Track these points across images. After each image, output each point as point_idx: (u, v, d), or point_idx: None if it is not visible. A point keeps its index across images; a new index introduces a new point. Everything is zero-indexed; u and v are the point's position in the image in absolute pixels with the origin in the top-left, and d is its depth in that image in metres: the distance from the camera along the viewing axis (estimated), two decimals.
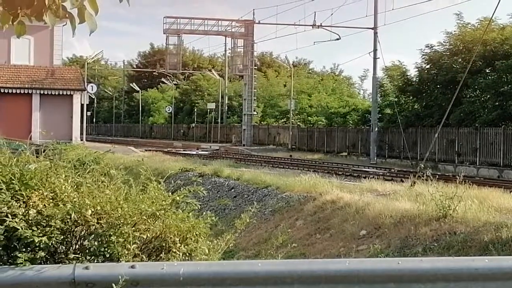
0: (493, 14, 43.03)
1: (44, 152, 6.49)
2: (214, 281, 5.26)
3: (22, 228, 5.24)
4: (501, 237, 14.58)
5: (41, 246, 5.27)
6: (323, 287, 5.26)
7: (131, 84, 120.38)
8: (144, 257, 5.65)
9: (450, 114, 41.43)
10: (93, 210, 5.51)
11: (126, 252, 5.47)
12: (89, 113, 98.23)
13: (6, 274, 5.17)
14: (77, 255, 5.47)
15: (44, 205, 5.48)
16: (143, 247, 5.70)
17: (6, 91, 57.36)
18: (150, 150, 60.72)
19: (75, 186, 5.83)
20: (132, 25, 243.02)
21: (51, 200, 5.57)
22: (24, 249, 5.26)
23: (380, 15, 55.36)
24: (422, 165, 25.40)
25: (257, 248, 20.54)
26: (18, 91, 57.70)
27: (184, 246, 5.80)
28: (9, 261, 5.29)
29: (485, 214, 16.23)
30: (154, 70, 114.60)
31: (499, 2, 29.27)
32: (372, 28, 55.59)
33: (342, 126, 65.97)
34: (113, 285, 5.02)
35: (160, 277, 5.23)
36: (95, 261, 5.44)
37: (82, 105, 60.89)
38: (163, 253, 5.76)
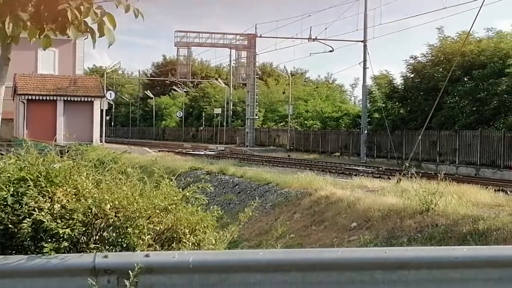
0: (470, 28, 42.98)
1: (67, 152, 6.49)
2: (221, 268, 5.26)
3: (47, 221, 5.24)
4: (478, 229, 14.57)
5: (65, 237, 5.28)
6: (318, 274, 5.25)
7: (145, 92, 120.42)
8: (157, 246, 5.64)
9: (432, 118, 41.39)
10: (111, 204, 5.50)
11: (141, 242, 5.47)
12: (108, 118, 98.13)
13: (34, 262, 5.17)
14: (97, 245, 5.47)
15: (68, 200, 5.48)
16: (156, 238, 5.70)
17: (33, 98, 57.37)
18: (162, 150, 60.66)
19: (95, 183, 5.83)
20: (146, 38, 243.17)
21: (73, 196, 5.57)
22: (49, 240, 5.26)
23: (369, 29, 55.59)
24: (407, 164, 25.38)
25: (258, 239, 20.53)
26: (44, 98, 57.69)
27: (193, 237, 5.80)
28: (36, 250, 5.29)
29: (464, 208, 16.22)
30: (166, 78, 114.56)
31: (476, 18, 29.33)
32: (362, 41, 55.61)
33: (335, 129, 65.94)
34: (130, 272, 5.02)
35: (172, 265, 5.23)
36: (113, 250, 5.44)
37: (101, 110, 60.88)
38: (174, 243, 5.75)
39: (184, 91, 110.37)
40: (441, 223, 15.70)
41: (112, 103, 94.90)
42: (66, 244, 5.30)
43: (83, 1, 5.60)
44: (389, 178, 28.29)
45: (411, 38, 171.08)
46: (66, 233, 5.27)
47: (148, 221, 5.56)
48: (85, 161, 6.22)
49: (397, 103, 55.90)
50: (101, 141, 58.92)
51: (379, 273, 5.27)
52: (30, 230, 5.25)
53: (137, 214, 5.51)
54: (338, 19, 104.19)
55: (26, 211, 5.31)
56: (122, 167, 6.56)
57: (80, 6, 5.57)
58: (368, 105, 57.31)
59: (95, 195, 5.57)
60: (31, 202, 5.34)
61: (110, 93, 71.44)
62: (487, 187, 21.17)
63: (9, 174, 5.58)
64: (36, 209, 5.30)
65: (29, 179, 5.48)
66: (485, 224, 14.57)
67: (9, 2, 5.47)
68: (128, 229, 5.46)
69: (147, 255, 5.24)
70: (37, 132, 49.51)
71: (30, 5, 5.66)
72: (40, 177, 5.56)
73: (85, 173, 5.86)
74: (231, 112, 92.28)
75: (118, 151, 8.06)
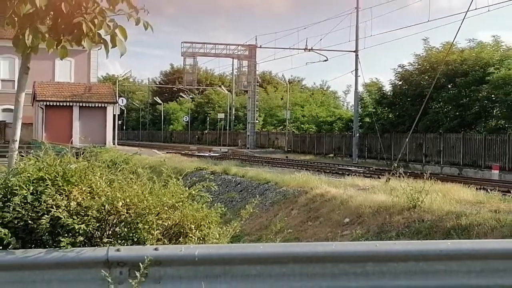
0: (454, 39, 43.13)
1: (82, 154, 6.50)
2: (224, 261, 5.26)
3: (64, 217, 5.24)
4: (461, 224, 14.55)
5: (80, 232, 5.28)
6: (314, 266, 5.26)
7: (154, 98, 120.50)
8: (165, 241, 5.64)
9: (419, 122, 41.40)
10: (123, 202, 5.51)
11: (151, 237, 5.48)
12: (119, 122, 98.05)
13: (51, 256, 5.17)
14: (110, 239, 5.47)
15: (83, 198, 5.49)
16: (164, 233, 5.70)
17: (51, 104, 57.35)
18: (170, 152, 60.64)
19: (108, 182, 5.83)
20: (155, 49, 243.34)
21: (88, 194, 5.57)
22: (66, 235, 5.27)
23: (360, 40, 55.46)
24: (396, 164, 25.38)
25: (259, 233, 20.51)
26: (61, 104, 57.67)
27: (198, 231, 5.80)
28: (54, 244, 5.30)
29: (448, 205, 16.20)
30: (173, 86, 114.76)
31: (459, 29, 29.36)
32: (354, 51, 55.61)
33: (329, 132, 65.94)
34: (140, 264, 5.02)
35: (179, 257, 5.23)
36: (125, 244, 5.44)
37: (114, 115, 60.87)
38: (181, 237, 5.75)
39: (190, 98, 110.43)
40: (427, 219, 15.69)
41: (123, 108, 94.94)
42: (81, 238, 5.31)
43: (97, 15, 5.62)
44: (379, 178, 28.26)
45: (399, 48, 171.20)
46: (82, 228, 5.27)
47: (157, 217, 5.57)
48: (99, 162, 6.22)
49: (386, 108, 55.89)
50: (113, 144, 58.90)
51: (370, 265, 5.27)
52: (48, 226, 5.25)
53: (147, 211, 5.51)
54: (332, 31, 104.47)
55: (44, 208, 5.32)
56: (133, 167, 6.57)
57: (94, 19, 5.59)
58: (360, 110, 57.31)
59: (108, 193, 5.58)
60: (49, 200, 5.34)
61: (122, 100, 71.56)
62: (469, 186, 21.16)
63: (29, 174, 5.58)
64: (54, 206, 5.30)
65: (47, 178, 5.48)
66: (468, 220, 14.56)
67: (28, 16, 5.48)
68: (139, 225, 5.46)
69: (156, 249, 5.24)
70: (55, 135, 49.61)
71: (48, 18, 5.68)
72: (57, 177, 5.56)
73: (99, 173, 5.86)
74: (234, 117, 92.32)
75: (129, 153, 8.07)
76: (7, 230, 5.21)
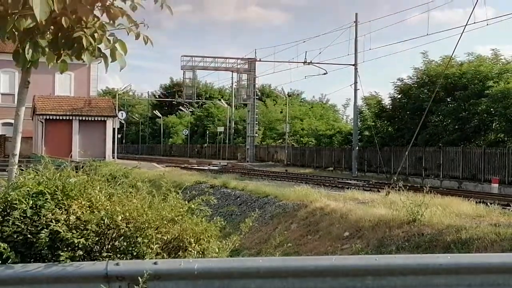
0: (453, 53, 43.15)
1: (82, 168, 6.50)
2: (223, 275, 5.25)
3: (64, 231, 5.24)
4: (461, 238, 14.53)
5: (80, 246, 5.27)
6: (313, 280, 5.25)
7: (154, 111, 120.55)
8: (165, 255, 5.64)
9: (418, 135, 41.40)
10: (122, 216, 5.50)
11: (150, 251, 5.47)
12: (119, 135, 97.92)
13: (51, 270, 5.16)
14: (109, 254, 5.46)
15: (82, 212, 5.48)
16: (164, 247, 5.69)
17: (51, 117, 57.38)
18: (170, 166, 60.61)
19: (108, 196, 5.83)
20: (155, 62, 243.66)
21: (88, 208, 5.57)
22: (65, 249, 5.26)
23: (359, 54, 55.56)
24: (395, 178, 25.33)
25: (258, 247, 20.49)
26: (61, 118, 57.69)
27: (198, 245, 5.79)
28: (53, 259, 5.29)
29: (448, 219, 16.19)
30: (173, 99, 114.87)
31: (458, 43, 29.43)
32: (353, 65, 55.72)
33: (328, 145, 65.97)
34: (139, 278, 5.01)
35: (178, 272, 5.22)
36: (124, 258, 5.43)
37: (113, 129, 60.88)
38: (180, 251, 5.74)
39: (190, 111, 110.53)
40: (427, 233, 15.67)
41: (123, 122, 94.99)
42: (80, 252, 5.30)
43: (97, 29, 5.64)
44: (379, 191, 28.25)
45: (398, 62, 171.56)
46: (81, 242, 5.26)
47: (156, 231, 5.56)
48: (98, 176, 6.22)
49: (385, 122, 55.95)
50: (113, 157, 58.89)
51: (370, 279, 5.26)
52: (47, 240, 5.24)
53: (146, 225, 5.51)
54: (331, 44, 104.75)
55: (44, 222, 5.31)
56: (132, 181, 6.57)
57: (94, 33, 5.61)
58: (359, 123, 57.38)
59: (107, 207, 5.57)
60: (49, 214, 5.34)
61: (122, 113, 71.59)
62: (469, 199, 21.16)
63: (28, 188, 5.58)
64: (53, 220, 5.30)
65: (46, 192, 5.48)
66: (467, 234, 14.55)
67: (29, 30, 5.50)
68: (138, 239, 5.45)
69: (155, 263, 5.23)
70: (54, 149, 49.62)
71: (48, 32, 5.70)
72: (57, 191, 5.56)
73: (98, 187, 5.86)
74: (233, 130, 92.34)
75: (128, 167, 8.08)
76: (6, 244, 5.20)
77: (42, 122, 57.08)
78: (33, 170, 6.05)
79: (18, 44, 5.71)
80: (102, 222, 5.42)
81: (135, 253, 5.45)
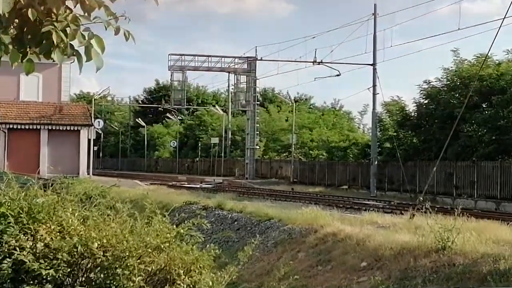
0: (489, 51, 43.08)
1: (51, 186, 6.51)
2: None
3: (29, 261, 5.24)
4: (499, 269, 14.52)
5: (48, 278, 5.27)
6: None
7: (137, 120, 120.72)
8: None
9: (448, 148, 41.37)
10: (99, 243, 5.50)
11: (132, 284, 5.46)
12: (96, 148, 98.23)
13: None
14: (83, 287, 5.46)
15: (52, 238, 5.48)
16: (148, 280, 5.69)
17: (15, 127, 57.43)
18: (155, 183, 60.61)
19: (82, 220, 5.84)
20: (137, 62, 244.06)
21: (58, 233, 5.57)
22: (31, 282, 5.26)
23: (379, 52, 55.58)
24: (421, 198, 25.36)
25: (259, 280, 20.47)
26: (26, 127, 57.73)
27: (188, 278, 5.79)
28: None
29: (483, 246, 16.18)
30: (159, 105, 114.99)
31: (495, 39, 29.41)
32: (371, 64, 55.77)
33: (342, 160, 65.95)
34: None
35: None
36: None
37: (89, 140, 60.91)
38: (167, 285, 5.75)
39: (179, 119, 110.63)
40: (459, 263, 15.66)
41: (100, 132, 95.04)
42: (49, 286, 5.30)
43: (70, 23, 5.64)
44: (402, 213, 28.25)
45: (425, 61, 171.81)
46: (50, 274, 5.26)
47: (139, 261, 5.56)
48: (71, 195, 6.23)
49: (409, 132, 55.94)
50: (88, 174, 58.89)
51: None
52: (10, 271, 5.24)
53: (127, 254, 5.51)
54: (345, 40, 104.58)
55: (6, 250, 5.31)
56: (110, 201, 6.58)
57: (66, 28, 5.61)
58: (378, 133, 57.38)
59: (81, 233, 5.58)
60: (12, 240, 5.34)
61: (98, 122, 71.61)
62: (508, 223, 21.13)
63: None
64: (17, 248, 5.30)
65: (9, 215, 5.49)
66: (507, 264, 14.54)
67: None
68: (117, 270, 5.45)
69: None
70: (19, 164, 49.54)
71: (12, 27, 5.71)
72: (21, 213, 5.57)
73: (70, 209, 5.87)
74: (230, 142, 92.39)
75: (106, 185, 8.08)
76: None
77: (5, 132, 57.12)
78: None
79: None
80: (75, 250, 5.42)
81: (114, 287, 5.45)
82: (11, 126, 57.33)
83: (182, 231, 6.07)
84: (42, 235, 5.48)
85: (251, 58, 72.88)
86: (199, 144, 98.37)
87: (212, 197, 37.46)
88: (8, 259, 5.25)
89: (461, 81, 49.31)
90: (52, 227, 5.60)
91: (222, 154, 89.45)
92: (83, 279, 5.54)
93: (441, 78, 52.59)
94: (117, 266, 5.45)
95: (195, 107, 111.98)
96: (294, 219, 25.27)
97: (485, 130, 47.30)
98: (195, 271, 5.84)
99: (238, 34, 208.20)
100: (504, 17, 27.50)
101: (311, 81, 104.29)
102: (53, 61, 5.83)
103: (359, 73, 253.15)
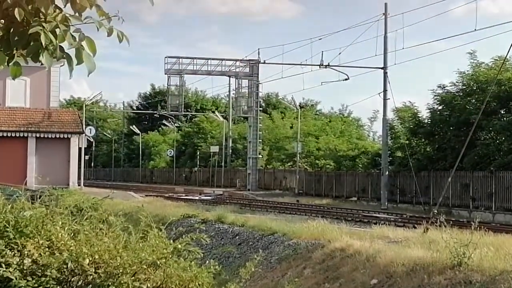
0: (507, 53, 43.16)
1: (40, 198, 6.50)
2: None
3: (16, 278, 5.23)
4: None
5: None
6: None
7: (131, 127, 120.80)
8: None
9: (464, 157, 41.38)
10: (90, 259, 5.49)
11: None
12: (87, 157, 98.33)
13: None
14: None
15: (40, 254, 5.47)
16: None
17: (0, 134, 57.48)
18: (150, 195, 60.62)
19: (72, 234, 5.83)
20: (132, 65, 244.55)
21: (47, 249, 5.56)
22: None
23: (390, 54, 55.62)
24: (435, 211, 25.35)
25: None
26: (13, 135, 57.79)
27: None
28: None
29: (502, 262, 16.15)
30: (155, 112, 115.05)
31: None
32: (381, 68, 55.80)
33: (351, 169, 65.96)
34: None
35: None
36: None
37: (80, 149, 60.95)
38: None
39: (176, 126, 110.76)
40: (476, 280, 15.64)
41: (92, 140, 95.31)
42: None
43: (59, 24, 5.63)
44: (415, 227, 28.23)
45: (439, 64, 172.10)
46: None
47: (133, 278, 5.55)
48: (61, 208, 6.22)
49: (422, 140, 55.94)
50: (79, 185, 58.90)
51: None
52: None
53: (121, 270, 5.50)
54: (354, 42, 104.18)
55: None
56: (103, 215, 6.57)
57: (56, 29, 5.60)
58: (390, 142, 57.37)
59: (71, 248, 5.57)
60: None
61: (90, 129, 71.80)
62: None
63: None
64: (3, 265, 5.29)
65: None
66: None
67: None
68: None
69: None
70: (5, 175, 49.51)
71: None
72: (7, 227, 5.56)
73: (60, 223, 5.86)
74: (230, 150, 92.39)
75: (98, 196, 8.06)
76: None
77: None
78: None
79: None
80: (65, 266, 5.41)
81: None
82: None
83: (179, 246, 6.06)
84: (29, 251, 5.47)
85: (253, 61, 72.89)
86: (198, 153, 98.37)
87: (212, 210, 37.46)
88: None
89: (478, 86, 49.31)
90: (41, 242, 5.59)
91: (222, 164, 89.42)
92: None
93: (457, 82, 52.58)
94: (110, 283, 5.44)
95: (193, 113, 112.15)
96: (300, 233, 25.26)
97: (503, 138, 47.29)
98: None
99: (239, 35, 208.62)
100: None
101: (318, 85, 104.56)
102: (42, 64, 5.82)
103: (368, 77, 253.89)
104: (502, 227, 30.87)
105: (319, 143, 79.91)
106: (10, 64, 5.86)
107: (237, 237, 29.00)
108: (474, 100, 48.98)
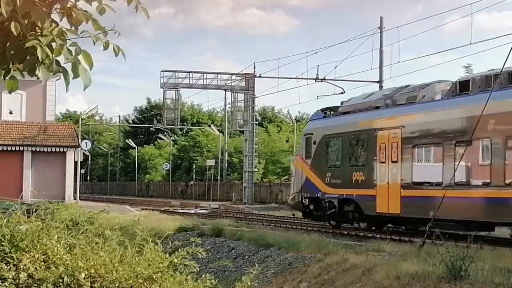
0: (502, 67, 43.21)
1: (35, 212, 6.50)
2: None
3: None
4: None
5: None
6: None
7: (127, 140, 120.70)
8: None
9: None
10: (86, 273, 5.48)
11: None
12: (83, 171, 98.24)
13: None
14: None
15: (36, 268, 5.46)
16: None
17: None
18: (146, 209, 60.44)
19: (68, 248, 5.82)
20: (128, 79, 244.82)
21: (42, 263, 5.55)
22: None
23: (385, 68, 55.71)
24: (431, 224, 25.33)
25: None
26: (8, 148, 57.69)
27: None
28: None
29: (499, 276, 16.14)
30: (151, 125, 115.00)
31: (508, 55, 29.40)
32: (377, 82, 55.93)
33: None
34: None
35: None
36: None
37: (75, 163, 60.86)
38: None
39: (172, 140, 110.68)
40: None
41: (88, 154, 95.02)
42: None
43: (55, 38, 5.62)
44: (410, 241, 28.21)
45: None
46: None
47: None
48: (56, 222, 6.21)
49: None
50: (74, 198, 58.83)
51: None
52: None
53: (117, 284, 5.49)
54: (349, 56, 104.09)
55: None
56: (99, 228, 6.57)
57: (52, 43, 5.60)
58: None
59: (67, 262, 5.55)
60: None
61: (86, 143, 71.70)
62: None
63: None
64: None
65: None
66: None
67: None
68: None
69: None
70: (1, 188, 49.45)
71: None
72: (3, 241, 5.54)
73: (56, 236, 5.85)
74: (226, 164, 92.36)
75: (94, 210, 8.06)
76: None
77: None
78: None
79: None
80: (61, 281, 5.40)
81: None
82: None
83: (175, 260, 6.05)
84: (25, 265, 5.45)
85: (249, 75, 72.83)
86: (194, 167, 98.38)
87: (208, 224, 37.41)
88: None
89: None
90: (36, 256, 5.57)
91: (218, 177, 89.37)
92: None
93: None
94: None
95: (189, 127, 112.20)
96: (296, 247, 25.24)
97: None
98: None
99: (235, 49, 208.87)
100: None
101: (314, 99, 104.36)
102: (38, 78, 5.81)
103: (364, 91, 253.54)
104: (498, 240, 30.83)
105: None
106: (6, 78, 5.85)
107: (233, 251, 28.97)
108: None
